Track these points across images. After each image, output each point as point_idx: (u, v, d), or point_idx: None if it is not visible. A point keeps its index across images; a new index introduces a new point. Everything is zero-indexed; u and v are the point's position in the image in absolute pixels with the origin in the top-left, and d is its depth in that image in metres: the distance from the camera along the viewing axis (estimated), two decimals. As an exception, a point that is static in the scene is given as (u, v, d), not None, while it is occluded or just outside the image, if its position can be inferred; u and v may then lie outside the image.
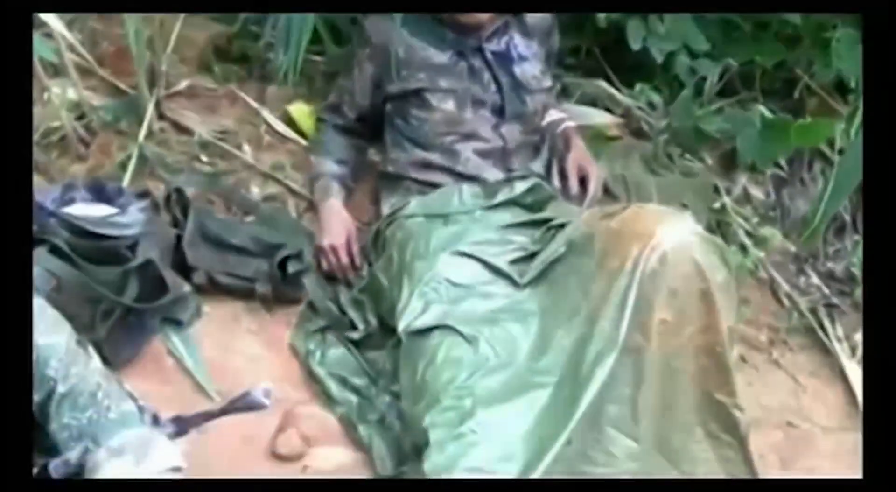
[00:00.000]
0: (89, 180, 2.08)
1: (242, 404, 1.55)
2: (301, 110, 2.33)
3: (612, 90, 2.45)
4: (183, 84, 2.30)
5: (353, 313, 2.06)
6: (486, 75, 2.13)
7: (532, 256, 1.90)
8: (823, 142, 2.40)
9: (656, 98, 2.41)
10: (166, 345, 1.99)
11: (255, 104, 2.33)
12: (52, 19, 2.02)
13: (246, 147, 2.28)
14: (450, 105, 2.10)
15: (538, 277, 1.86)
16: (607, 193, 2.23)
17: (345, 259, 2.10)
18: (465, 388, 1.69)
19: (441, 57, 2.13)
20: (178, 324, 2.02)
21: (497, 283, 1.87)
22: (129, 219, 1.97)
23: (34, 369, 1.41)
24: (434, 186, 2.08)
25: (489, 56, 2.14)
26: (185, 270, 2.03)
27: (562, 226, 1.91)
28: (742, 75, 2.52)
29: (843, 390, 2.16)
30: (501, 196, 2.04)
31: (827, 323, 2.23)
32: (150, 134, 2.20)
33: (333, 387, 1.98)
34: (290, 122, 2.33)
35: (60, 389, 1.43)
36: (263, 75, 2.39)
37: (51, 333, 1.43)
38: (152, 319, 1.98)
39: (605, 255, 1.76)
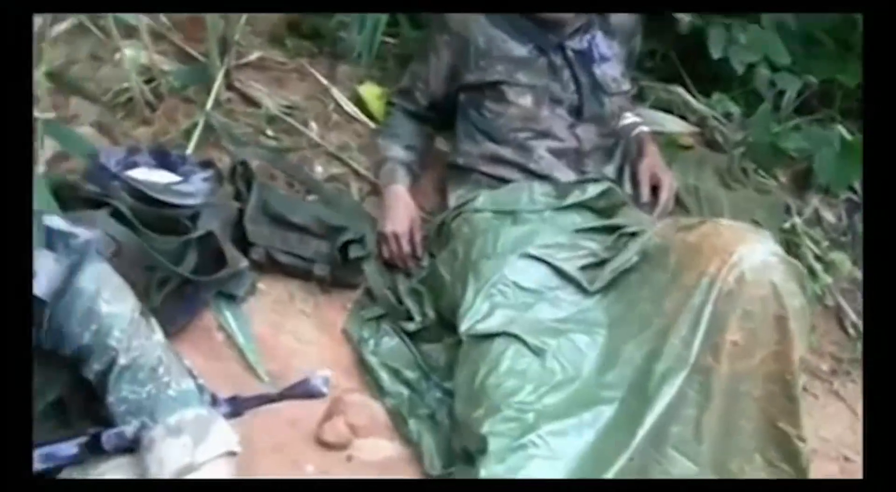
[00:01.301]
0: (154, 145, 2.05)
1: (301, 391, 1.50)
2: (371, 91, 2.28)
3: (689, 97, 2.38)
4: (253, 55, 2.26)
5: (410, 304, 2.01)
6: (566, 73, 2.07)
7: (601, 263, 1.85)
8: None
9: (734, 109, 2.35)
10: (217, 319, 1.96)
11: (325, 81, 2.28)
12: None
13: (313, 124, 2.24)
14: (527, 101, 2.05)
15: (607, 286, 1.81)
16: (678, 203, 2.16)
17: (406, 248, 2.06)
18: (529, 403, 1.65)
19: (521, 50, 2.07)
20: (231, 298, 1.99)
21: (565, 289, 1.82)
22: (193, 188, 1.94)
23: (97, 338, 1.38)
24: (504, 181, 2.03)
25: (570, 54, 2.08)
26: (243, 244, 1.99)
27: (634, 234, 1.86)
28: (821, 93, 2.45)
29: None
30: (573, 198, 1.98)
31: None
32: (217, 104, 2.16)
33: (385, 378, 1.94)
34: (359, 102, 2.28)
35: (121, 360, 1.39)
36: (335, 53, 2.34)
37: (115, 301, 1.39)
38: (207, 291, 1.94)
39: (681, 269, 1.71)
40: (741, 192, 2.21)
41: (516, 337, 1.72)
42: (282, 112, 2.22)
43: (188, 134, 2.13)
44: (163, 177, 1.97)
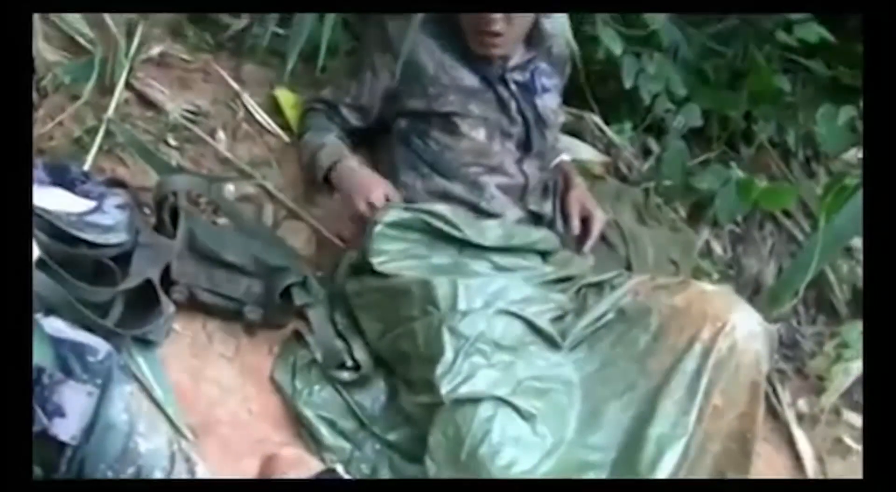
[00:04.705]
0: (49, 159, 1.71)
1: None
2: (287, 98, 2.03)
3: (603, 125, 2.35)
4: (155, 51, 1.92)
5: (349, 337, 1.83)
6: (514, 106, 1.96)
7: (564, 316, 1.79)
8: (788, 206, 2.46)
9: (654, 145, 2.36)
10: (130, 366, 1.68)
11: (235, 85, 2.00)
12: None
13: (220, 134, 1.96)
14: (481, 134, 1.92)
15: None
16: (602, 238, 2.13)
17: None
18: (528, 472, 1.56)
19: (471, 80, 1.94)
20: (145, 343, 1.72)
21: (536, 344, 1.73)
22: (111, 220, 1.64)
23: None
24: (451, 220, 1.90)
25: (513, 87, 1.97)
26: (164, 283, 1.72)
27: (593, 285, 1.83)
28: (707, 125, 2.51)
29: (790, 456, 2.23)
30: (518, 239, 1.89)
31: (778, 387, 2.30)
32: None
33: (324, 432, 1.77)
34: (271, 110, 2.03)
35: None
36: (239, 51, 2.05)
37: (152, 434, 1.14)
38: (123, 338, 1.67)
39: (666, 330, 1.70)
40: (658, 229, 2.22)
41: (504, 401, 1.63)
42: (186, 119, 1.93)
43: (80, 142, 1.79)
44: (66, 201, 1.65)
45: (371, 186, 1.86)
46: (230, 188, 1.92)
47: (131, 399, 1.17)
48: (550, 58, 2.05)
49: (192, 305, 1.77)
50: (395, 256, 1.82)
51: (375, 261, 1.80)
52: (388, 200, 1.85)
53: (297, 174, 1.98)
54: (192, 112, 1.93)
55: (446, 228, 1.84)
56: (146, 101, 1.90)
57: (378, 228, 1.81)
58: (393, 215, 1.82)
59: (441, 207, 1.86)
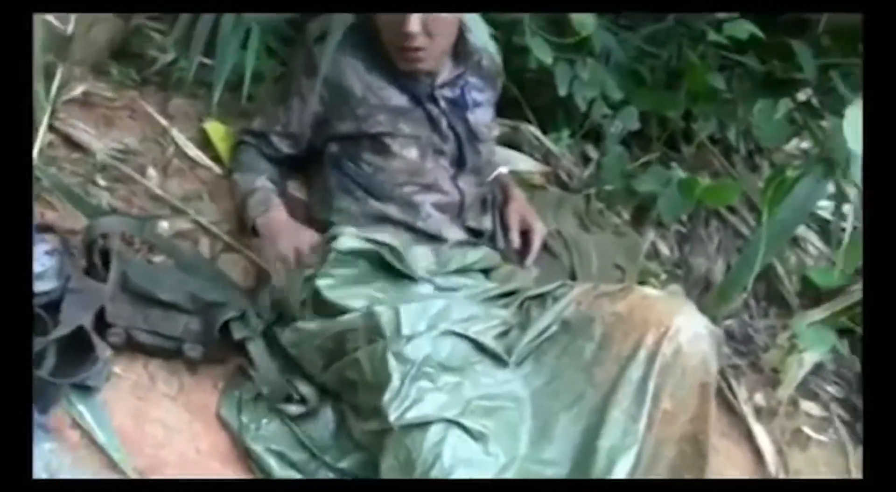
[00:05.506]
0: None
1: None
2: (217, 130, 2.01)
3: (540, 135, 2.34)
4: (77, 90, 1.89)
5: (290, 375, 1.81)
6: (444, 123, 1.95)
7: (509, 331, 1.77)
8: (731, 203, 2.47)
9: (592, 151, 2.36)
10: (70, 414, 1.66)
11: (162, 121, 1.97)
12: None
13: (151, 171, 1.93)
14: (412, 153, 1.90)
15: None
16: (545, 248, 2.12)
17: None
18: (484, 496, 1.54)
19: (400, 99, 1.92)
20: (84, 390, 1.69)
21: (482, 362, 1.71)
22: (39, 267, 1.61)
23: None
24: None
25: (443, 104, 1.96)
26: (99, 326, 1.69)
27: (535, 297, 1.81)
28: (645, 126, 2.52)
29: (749, 450, 2.24)
30: (454, 263, 1.88)
31: (734, 383, 2.30)
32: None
33: (274, 465, 1.74)
34: (202, 143, 2.01)
35: None
36: (165, 84, 2.03)
37: None
38: (60, 387, 1.63)
39: (610, 339, 1.67)
40: (601, 235, 2.22)
41: (453, 423, 1.60)
42: (114, 158, 1.90)
43: (3, 189, 1.75)
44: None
45: (287, 246, 1.84)
46: (164, 225, 1.90)
47: (51, 457, 1.15)
48: (480, 71, 2.04)
49: (132, 347, 1.74)
50: (340, 282, 1.80)
51: (323, 284, 1.76)
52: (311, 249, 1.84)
53: (232, 206, 1.96)
54: (120, 151, 1.90)
55: (392, 260, 1.81)
56: (71, 143, 1.87)
57: (333, 255, 1.79)
58: (348, 243, 1.80)
59: (385, 236, 1.83)
